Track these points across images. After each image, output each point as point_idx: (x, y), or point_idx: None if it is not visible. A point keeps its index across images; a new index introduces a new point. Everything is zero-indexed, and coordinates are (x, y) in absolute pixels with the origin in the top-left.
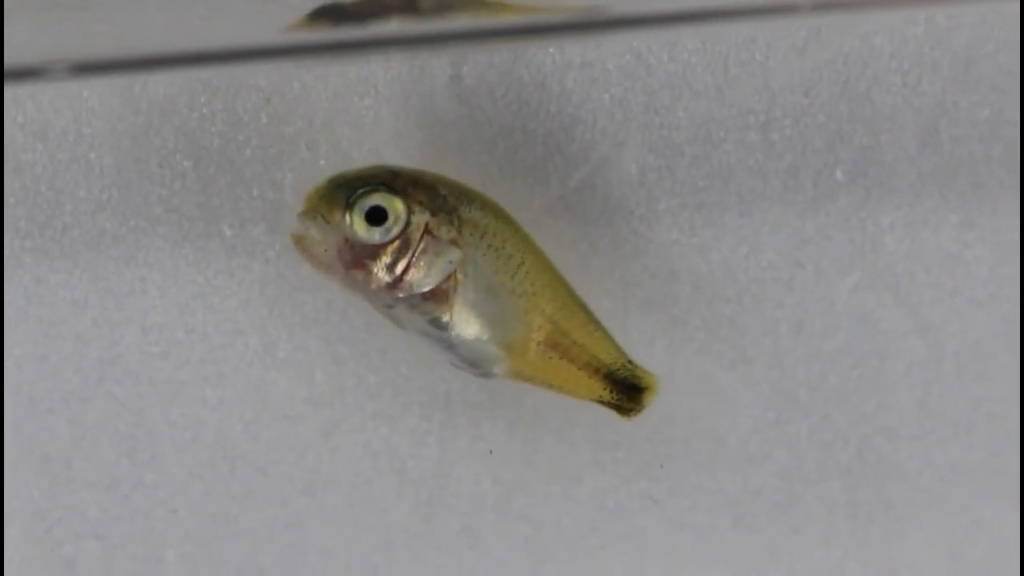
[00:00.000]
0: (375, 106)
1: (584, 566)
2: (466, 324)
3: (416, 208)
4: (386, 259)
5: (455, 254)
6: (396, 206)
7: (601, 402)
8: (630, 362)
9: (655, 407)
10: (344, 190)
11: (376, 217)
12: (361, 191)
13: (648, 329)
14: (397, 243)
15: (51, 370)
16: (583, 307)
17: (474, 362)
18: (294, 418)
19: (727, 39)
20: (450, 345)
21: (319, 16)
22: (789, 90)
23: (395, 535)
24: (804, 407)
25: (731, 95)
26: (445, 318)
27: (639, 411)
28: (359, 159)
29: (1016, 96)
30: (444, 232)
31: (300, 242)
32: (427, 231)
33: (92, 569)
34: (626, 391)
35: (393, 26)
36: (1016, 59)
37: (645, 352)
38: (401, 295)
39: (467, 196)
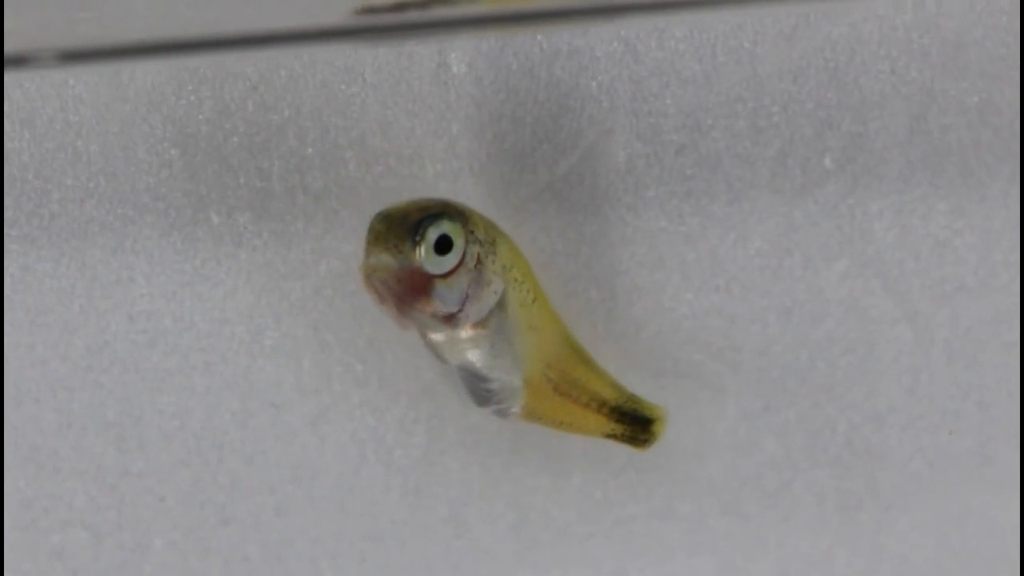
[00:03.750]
0: (362, 94)
1: (572, 554)
2: (501, 357)
3: (471, 238)
4: (447, 289)
5: (499, 285)
6: (458, 235)
7: (613, 437)
8: (634, 396)
9: (641, 394)
10: (408, 220)
11: (443, 246)
12: (429, 220)
13: (636, 316)
14: (456, 273)
15: (38, 359)
16: (580, 346)
17: (501, 398)
18: (281, 406)
19: (715, 27)
20: (485, 378)
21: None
22: (777, 77)
23: (382, 524)
24: (792, 395)
25: (719, 83)
26: (485, 350)
27: (653, 441)
28: (346, 147)
29: (1005, 83)
30: (490, 263)
31: (371, 274)
32: (479, 262)
33: (79, 558)
34: (636, 423)
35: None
36: (1005, 46)
37: (633, 340)
38: (458, 325)
39: (496, 229)
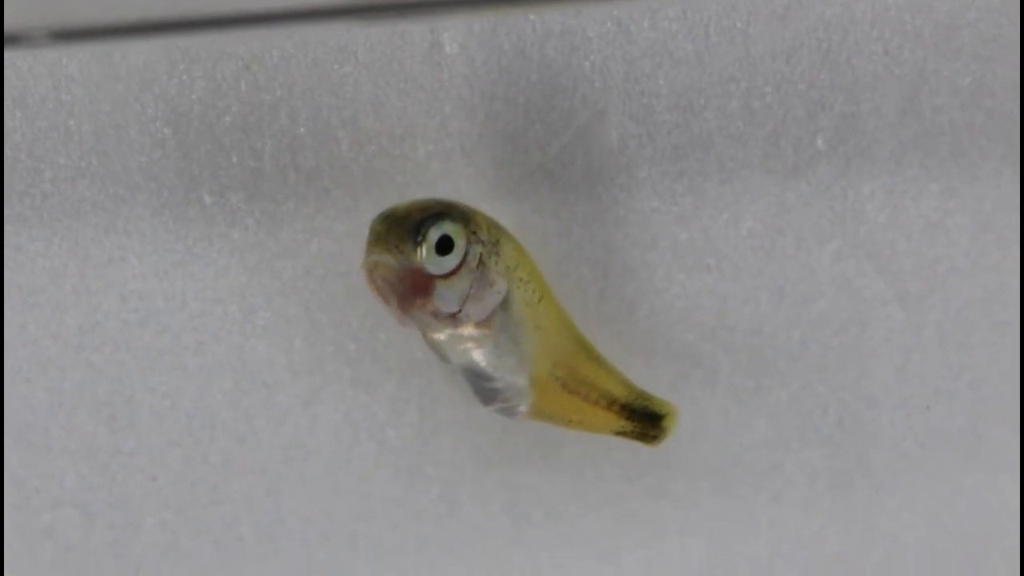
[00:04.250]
0: (355, 73)
1: (564, 533)
2: (505, 356)
3: (473, 239)
4: (448, 289)
5: (502, 286)
6: (460, 235)
7: (623, 434)
8: (643, 393)
9: (635, 376)
10: (410, 220)
11: (444, 246)
12: (431, 220)
13: (628, 297)
14: (458, 273)
15: (29, 338)
16: (589, 344)
17: (506, 397)
18: (273, 386)
19: (708, 7)
20: (489, 377)
21: None
22: (770, 58)
23: (375, 503)
24: (784, 375)
25: (712, 63)
26: (488, 349)
27: (663, 438)
28: (339, 127)
29: (998, 64)
30: (493, 264)
31: (371, 271)
32: (481, 262)
33: (71, 537)
34: (646, 420)
35: None
36: (997, 27)
37: (625, 321)
38: (459, 325)
39: (500, 230)
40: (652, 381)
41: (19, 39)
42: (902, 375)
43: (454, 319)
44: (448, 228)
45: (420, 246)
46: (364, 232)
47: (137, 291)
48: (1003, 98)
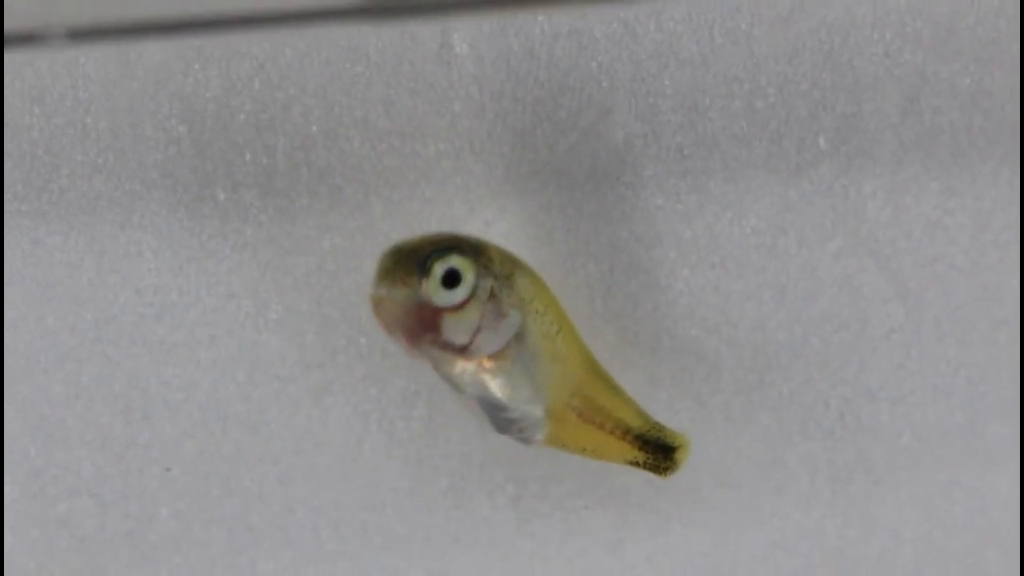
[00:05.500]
0: (366, 73)
1: (569, 525)
2: (520, 388)
3: (483, 272)
4: (457, 322)
5: (516, 318)
6: (468, 269)
7: (635, 464)
8: (657, 424)
9: (639, 371)
10: (418, 254)
11: (451, 280)
12: (437, 254)
13: (633, 293)
14: (467, 307)
15: (47, 331)
16: (606, 373)
17: (521, 427)
18: (285, 379)
19: (712, 9)
20: (504, 408)
21: None
22: (773, 59)
23: (384, 494)
24: (786, 370)
25: (716, 64)
26: (502, 381)
27: (674, 469)
28: (350, 125)
29: (997, 66)
30: (505, 296)
31: (378, 305)
32: (492, 295)
33: (86, 526)
34: (659, 451)
35: None
36: (996, 30)
37: (630, 317)
38: (471, 358)
39: (515, 263)
40: (656, 376)
41: (37, 38)
42: (902, 371)
43: (465, 352)
44: (456, 262)
45: (425, 279)
46: (375, 228)
47: (152, 285)
48: (1002, 99)
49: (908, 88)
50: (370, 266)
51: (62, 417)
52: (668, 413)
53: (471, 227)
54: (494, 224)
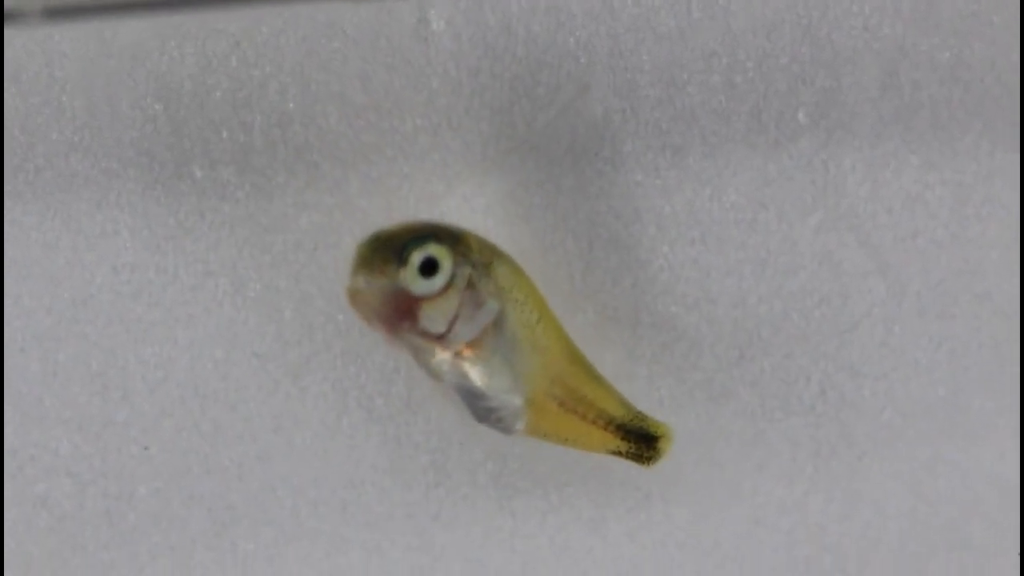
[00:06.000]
0: (343, 49)
1: (550, 503)
2: (499, 376)
3: (460, 260)
4: (435, 310)
5: (493, 306)
6: (446, 257)
7: (618, 453)
8: (640, 413)
9: (619, 347)
10: (395, 243)
11: (428, 268)
12: (414, 242)
13: (613, 269)
14: (445, 295)
15: (23, 310)
16: (588, 363)
17: (500, 417)
18: (264, 356)
19: None
20: (483, 396)
21: None
22: (751, 33)
23: (363, 472)
24: (767, 346)
25: (694, 38)
26: (481, 369)
27: (657, 459)
28: (327, 101)
29: (976, 39)
30: (483, 285)
31: (355, 295)
32: (470, 283)
33: (64, 506)
34: (642, 441)
35: None
36: (976, 2)
37: (609, 293)
38: (449, 346)
39: (494, 251)
40: (636, 352)
41: (13, 16)
42: (883, 346)
43: (443, 340)
44: (433, 250)
45: (403, 268)
46: (353, 205)
47: (129, 264)
48: (981, 73)
49: (887, 62)
50: (348, 243)
51: (39, 396)
52: (648, 390)
53: (449, 203)
54: (472, 200)
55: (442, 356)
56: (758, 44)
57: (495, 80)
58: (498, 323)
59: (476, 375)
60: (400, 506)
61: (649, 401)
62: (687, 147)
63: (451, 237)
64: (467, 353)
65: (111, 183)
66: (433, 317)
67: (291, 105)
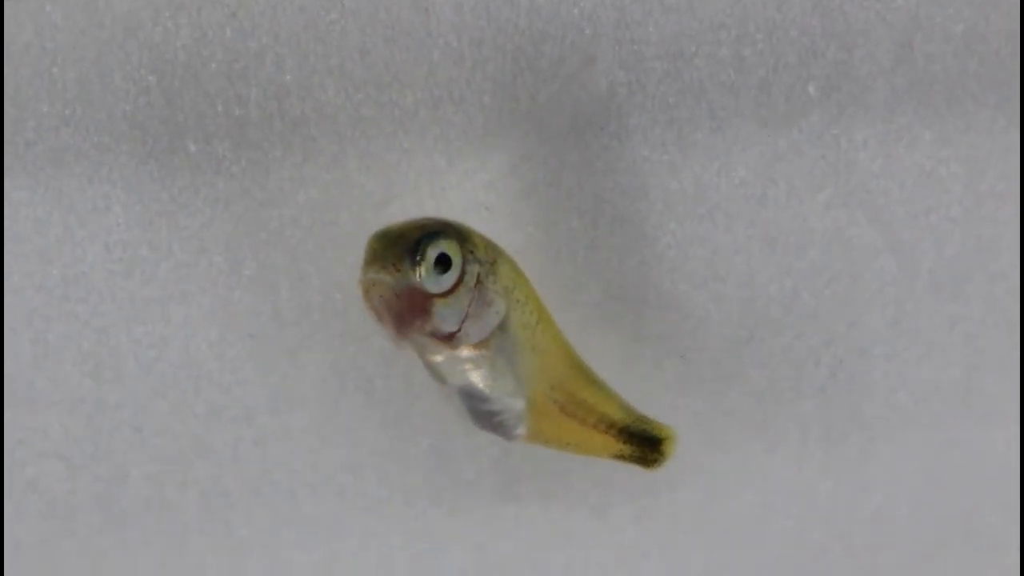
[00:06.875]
0: (341, 21)
1: (552, 487)
2: (502, 378)
3: (470, 257)
4: (446, 308)
5: (501, 305)
6: (456, 254)
7: (622, 457)
8: (642, 416)
9: (624, 327)
10: (407, 239)
11: (442, 264)
12: (428, 238)
13: (618, 246)
14: (456, 292)
15: (13, 288)
16: (587, 367)
17: (502, 421)
18: (260, 336)
19: None
20: (486, 399)
21: None
22: (761, 4)
23: (362, 455)
24: (777, 326)
25: (702, 9)
26: (486, 371)
27: (662, 462)
28: (325, 74)
29: (991, 10)
30: (490, 283)
31: (368, 290)
32: (479, 281)
33: (56, 489)
34: (645, 444)
35: None
36: None
37: (615, 271)
38: (457, 346)
39: (496, 250)
40: (642, 332)
41: None
42: (895, 325)
43: (452, 339)
44: (445, 246)
45: (419, 265)
46: (351, 180)
47: (122, 241)
48: (997, 45)
49: (900, 34)
50: (346, 220)
51: (29, 378)
52: (654, 371)
53: (450, 179)
54: (474, 176)
55: (449, 356)
56: (768, 16)
57: (497, 52)
58: (502, 323)
59: (480, 377)
60: (400, 491)
61: (655, 383)
62: (695, 121)
63: (459, 234)
64: (473, 354)
65: (103, 157)
66: (445, 315)
67: (288, 78)
